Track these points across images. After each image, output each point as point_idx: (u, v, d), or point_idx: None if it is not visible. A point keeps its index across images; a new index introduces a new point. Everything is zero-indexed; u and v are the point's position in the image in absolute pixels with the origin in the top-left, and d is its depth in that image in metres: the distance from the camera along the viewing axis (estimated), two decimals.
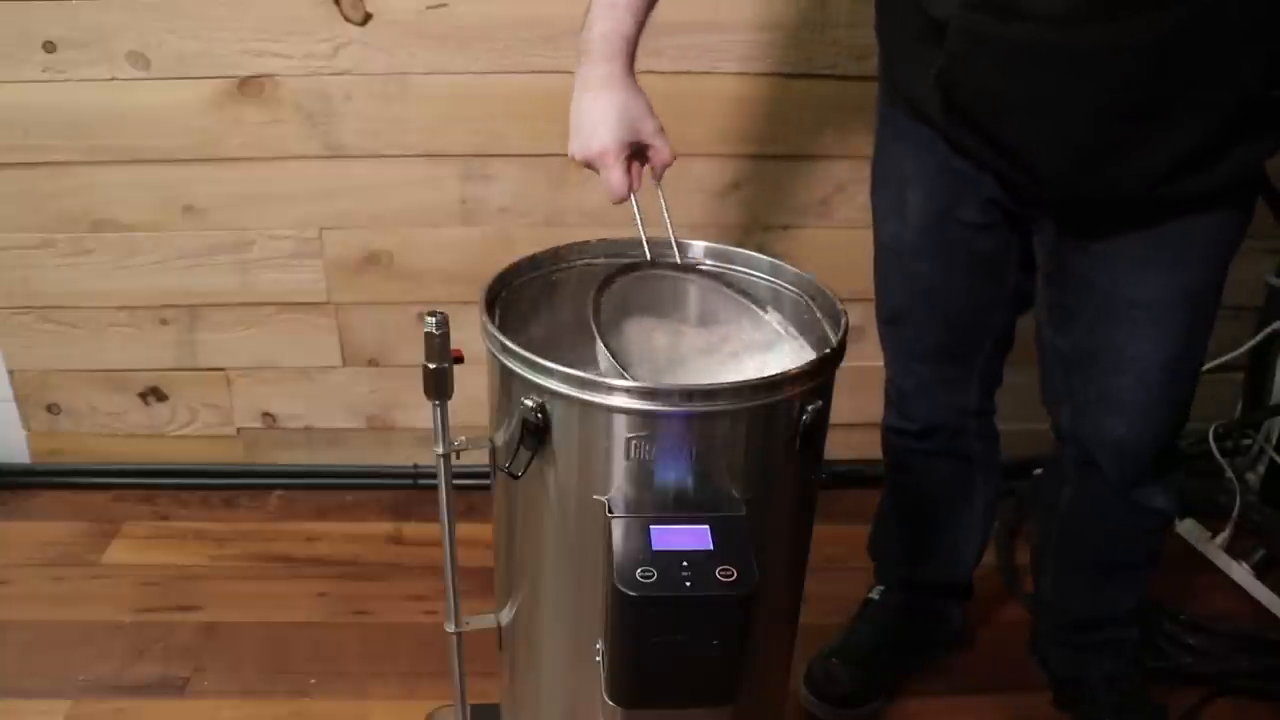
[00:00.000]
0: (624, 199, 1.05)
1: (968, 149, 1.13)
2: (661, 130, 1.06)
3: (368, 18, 1.59)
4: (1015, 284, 1.27)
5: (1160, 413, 1.20)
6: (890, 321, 1.35)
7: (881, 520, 1.56)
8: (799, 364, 0.92)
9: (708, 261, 1.12)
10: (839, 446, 1.90)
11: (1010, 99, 1.02)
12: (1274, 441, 1.86)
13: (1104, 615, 1.40)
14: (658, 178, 1.07)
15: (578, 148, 1.04)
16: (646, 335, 1.05)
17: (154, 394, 1.89)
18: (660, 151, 1.06)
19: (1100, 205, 1.10)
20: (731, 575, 0.84)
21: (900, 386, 1.39)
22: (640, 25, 1.07)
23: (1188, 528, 1.82)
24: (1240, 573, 1.72)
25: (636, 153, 1.06)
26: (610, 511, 0.89)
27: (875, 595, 1.55)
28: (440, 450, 1.01)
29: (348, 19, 1.59)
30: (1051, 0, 0.95)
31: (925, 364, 1.35)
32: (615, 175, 1.03)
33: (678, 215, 1.09)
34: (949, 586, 1.54)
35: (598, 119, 1.03)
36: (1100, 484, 1.27)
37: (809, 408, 0.92)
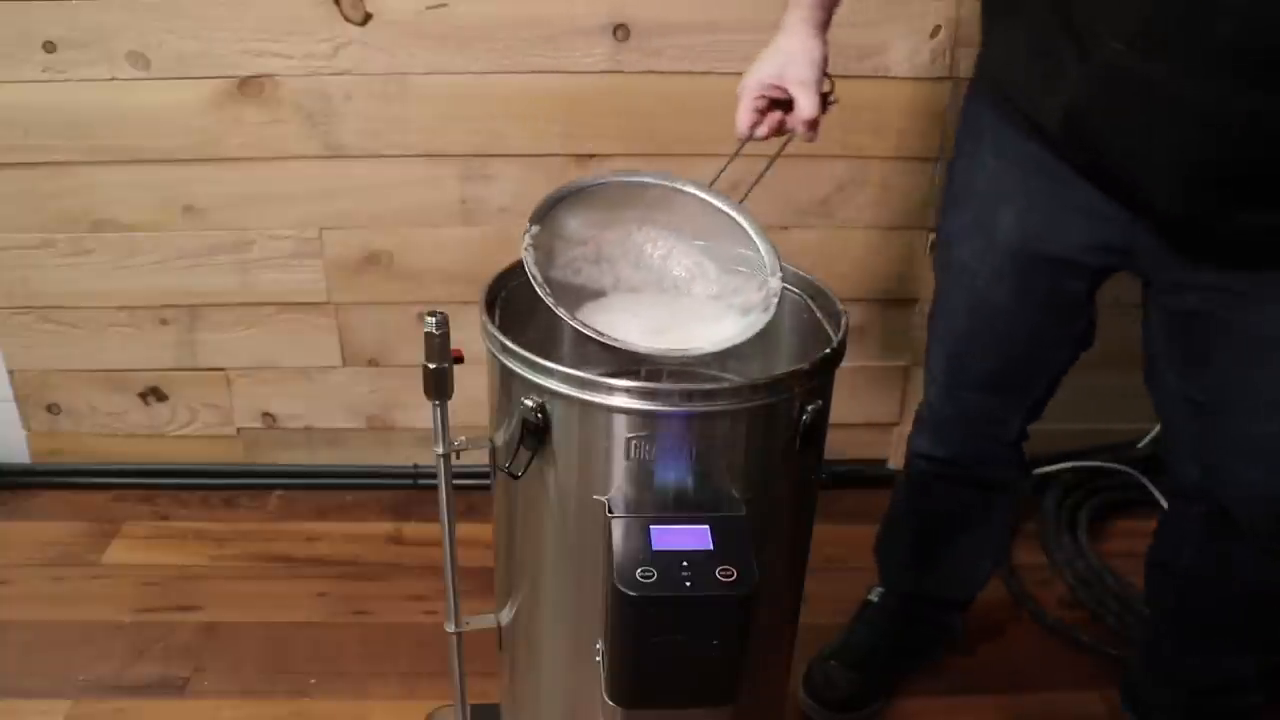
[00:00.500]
0: (740, 137, 1.07)
1: (1087, 173, 1.05)
2: (811, 83, 1.04)
3: (368, 18, 1.59)
4: (1086, 325, 1.20)
5: None
6: (946, 344, 1.28)
7: (892, 529, 1.52)
8: (799, 364, 0.92)
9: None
10: (839, 446, 1.90)
11: (1146, 131, 0.95)
12: None
13: (1232, 681, 1.31)
14: (790, 130, 1.06)
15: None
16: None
17: (154, 394, 1.89)
18: (800, 106, 1.04)
19: (1239, 240, 1.01)
20: (731, 575, 0.84)
21: (939, 412, 1.33)
22: None
23: None
24: None
25: (785, 103, 1.06)
26: (610, 511, 0.89)
27: (874, 597, 1.54)
28: (440, 450, 1.01)
29: (348, 19, 1.59)
30: (1195, 55, 0.88)
31: (974, 393, 1.28)
32: (739, 112, 1.06)
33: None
34: (951, 601, 1.52)
35: (757, 60, 1.07)
36: (1235, 542, 1.16)
37: (809, 408, 0.92)
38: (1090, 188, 1.05)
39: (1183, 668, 1.34)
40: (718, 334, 0.98)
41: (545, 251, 1.01)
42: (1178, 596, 1.30)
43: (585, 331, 0.93)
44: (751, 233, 1.05)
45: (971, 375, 1.27)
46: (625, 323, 1.00)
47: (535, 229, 0.99)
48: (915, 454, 1.40)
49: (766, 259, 1.03)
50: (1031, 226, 1.12)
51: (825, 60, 1.07)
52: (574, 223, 1.03)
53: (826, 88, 1.08)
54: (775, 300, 1.00)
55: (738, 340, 0.97)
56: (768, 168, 1.08)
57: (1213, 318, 1.06)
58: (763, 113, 1.07)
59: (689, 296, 1.05)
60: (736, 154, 1.08)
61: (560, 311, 0.94)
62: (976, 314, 1.21)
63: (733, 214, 1.06)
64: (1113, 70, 0.94)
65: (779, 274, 1.02)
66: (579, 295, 1.03)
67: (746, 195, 1.09)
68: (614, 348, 0.93)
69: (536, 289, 0.95)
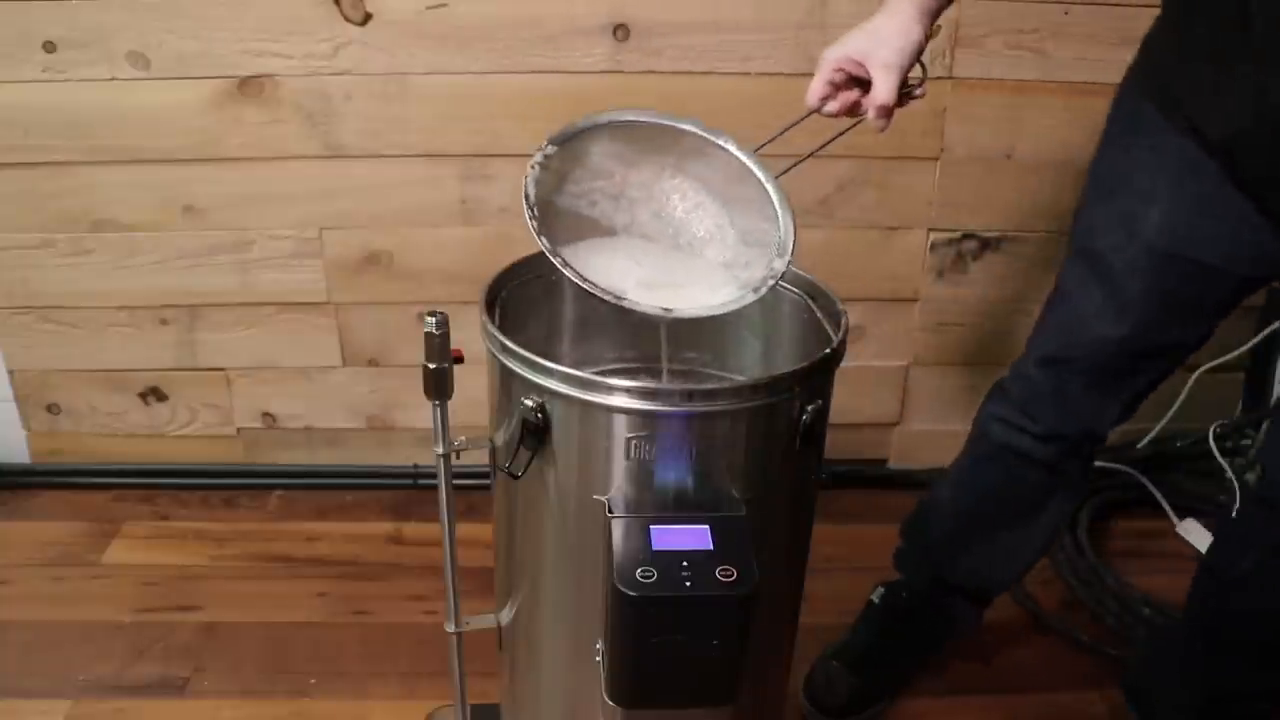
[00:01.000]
0: (809, 107, 1.03)
1: (1252, 186, 1.02)
2: (896, 67, 0.99)
3: (368, 18, 1.59)
4: (1207, 333, 1.18)
5: None
6: (1064, 324, 1.24)
7: (933, 508, 1.46)
8: (799, 365, 0.92)
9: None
10: (839, 446, 1.90)
11: None
12: None
13: (1257, 692, 1.29)
14: (862, 113, 1.02)
15: None
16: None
17: (154, 394, 1.89)
18: (877, 88, 0.99)
19: None
20: (731, 575, 0.84)
21: (1038, 387, 1.27)
22: None
23: (1188, 527, 1.82)
24: None
25: (865, 83, 1.02)
26: (610, 511, 0.89)
27: (876, 598, 1.53)
28: (440, 450, 1.01)
29: (348, 19, 1.59)
30: None
31: (1079, 378, 1.24)
32: (813, 81, 1.02)
33: None
34: (978, 593, 1.48)
35: (850, 32, 1.02)
36: None
37: (809, 408, 0.92)
38: (1244, 197, 1.03)
39: (1209, 672, 1.31)
40: (707, 301, 0.95)
41: (559, 176, 0.97)
42: (1223, 601, 1.27)
43: (565, 272, 0.91)
44: (777, 206, 1.01)
45: (1081, 363, 1.23)
46: (624, 269, 0.97)
47: (551, 149, 0.96)
48: (994, 419, 1.34)
49: (782, 236, 1.00)
50: (1178, 229, 1.09)
51: (921, 48, 1.01)
52: (601, 153, 1.00)
53: (915, 79, 1.02)
54: (771, 282, 0.96)
55: (714, 312, 0.93)
56: (823, 146, 1.04)
57: None
58: (838, 87, 1.03)
59: (700, 259, 1.01)
60: (796, 123, 1.04)
61: (542, 241, 0.91)
62: (1105, 305, 1.17)
63: (766, 182, 1.02)
64: None
65: (787, 256, 0.98)
66: (586, 228, 1.00)
67: (788, 170, 1.05)
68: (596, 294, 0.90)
69: (525, 211, 0.92)
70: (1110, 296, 1.16)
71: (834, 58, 1.02)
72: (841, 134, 1.04)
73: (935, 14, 1.03)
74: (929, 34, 1.02)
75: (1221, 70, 0.98)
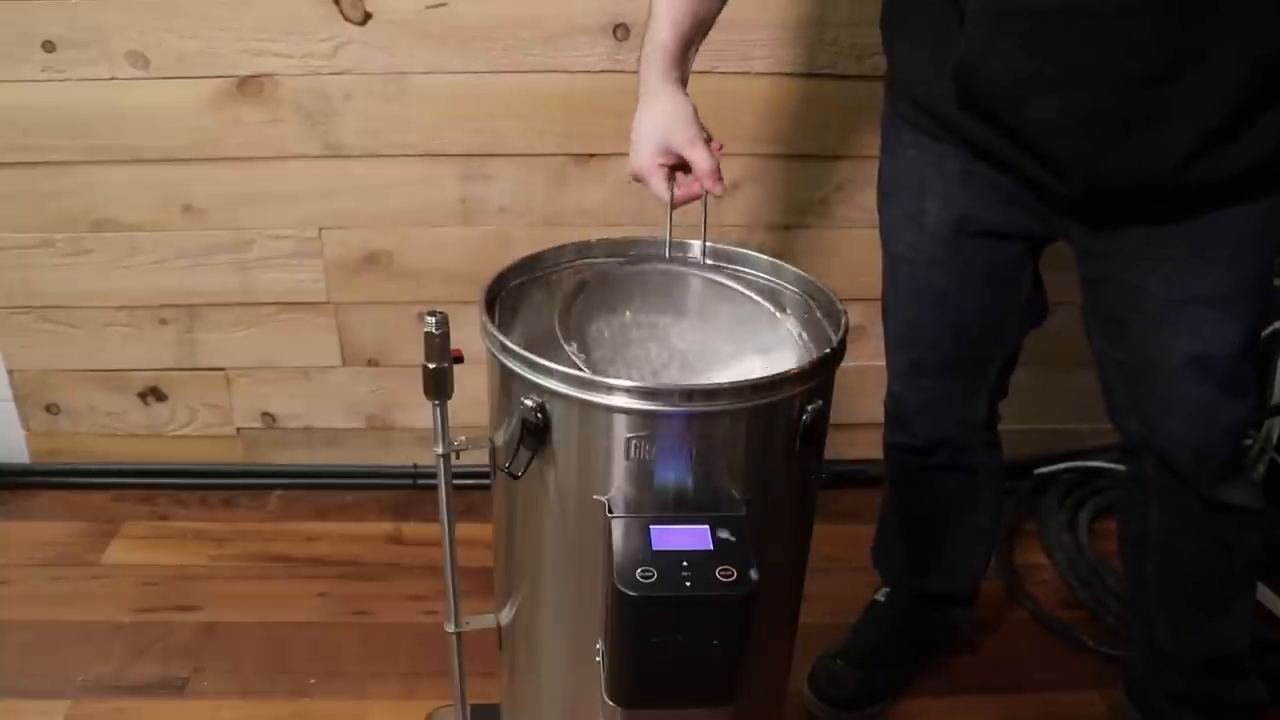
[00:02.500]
0: (670, 204, 1.08)
1: (987, 147, 1.11)
2: (698, 139, 1.06)
3: (367, 17, 1.59)
4: (1028, 298, 1.26)
5: (1232, 408, 1.15)
6: (900, 336, 1.33)
7: (884, 531, 1.54)
8: (799, 364, 0.92)
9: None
10: (839, 446, 1.90)
11: (1030, 76, 1.01)
12: (1274, 441, 1.86)
13: (1224, 655, 1.32)
14: (703, 185, 1.07)
15: (629, 164, 1.10)
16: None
17: (153, 394, 1.89)
18: (696, 163, 1.06)
19: (1132, 199, 1.07)
20: (731, 575, 0.84)
21: (904, 402, 1.37)
22: (680, 34, 1.10)
23: None
24: None
25: (683, 163, 1.08)
26: (610, 511, 0.89)
27: (881, 597, 1.54)
28: (440, 450, 1.01)
29: (347, 19, 1.59)
30: None
31: (934, 379, 1.33)
32: (657, 188, 1.08)
33: (676, 214, 1.10)
34: (954, 597, 1.53)
35: (637, 136, 1.09)
36: (1184, 492, 1.22)
37: (809, 408, 0.92)
38: (987, 166, 1.13)
39: (1177, 642, 1.34)
40: (742, 371, 1.01)
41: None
42: (1158, 568, 1.32)
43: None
44: (750, 294, 1.06)
45: (929, 363, 1.31)
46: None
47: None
48: (891, 447, 1.43)
49: (771, 308, 1.05)
50: (954, 209, 1.19)
51: (695, 111, 1.09)
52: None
53: (706, 136, 1.09)
54: (803, 334, 1.02)
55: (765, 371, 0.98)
56: (705, 224, 1.10)
57: (1120, 282, 1.13)
58: (669, 179, 1.09)
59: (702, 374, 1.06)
60: (671, 222, 1.10)
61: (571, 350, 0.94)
62: (924, 302, 1.26)
63: (728, 283, 1.08)
64: (988, 12, 1.00)
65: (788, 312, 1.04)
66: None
67: (705, 239, 1.12)
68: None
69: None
70: (923, 293, 1.25)
71: (649, 165, 1.08)
72: (705, 218, 1.10)
73: (686, 80, 1.11)
74: (688, 97, 1.10)
75: (936, 41, 1.08)
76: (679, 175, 1.09)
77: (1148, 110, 0.99)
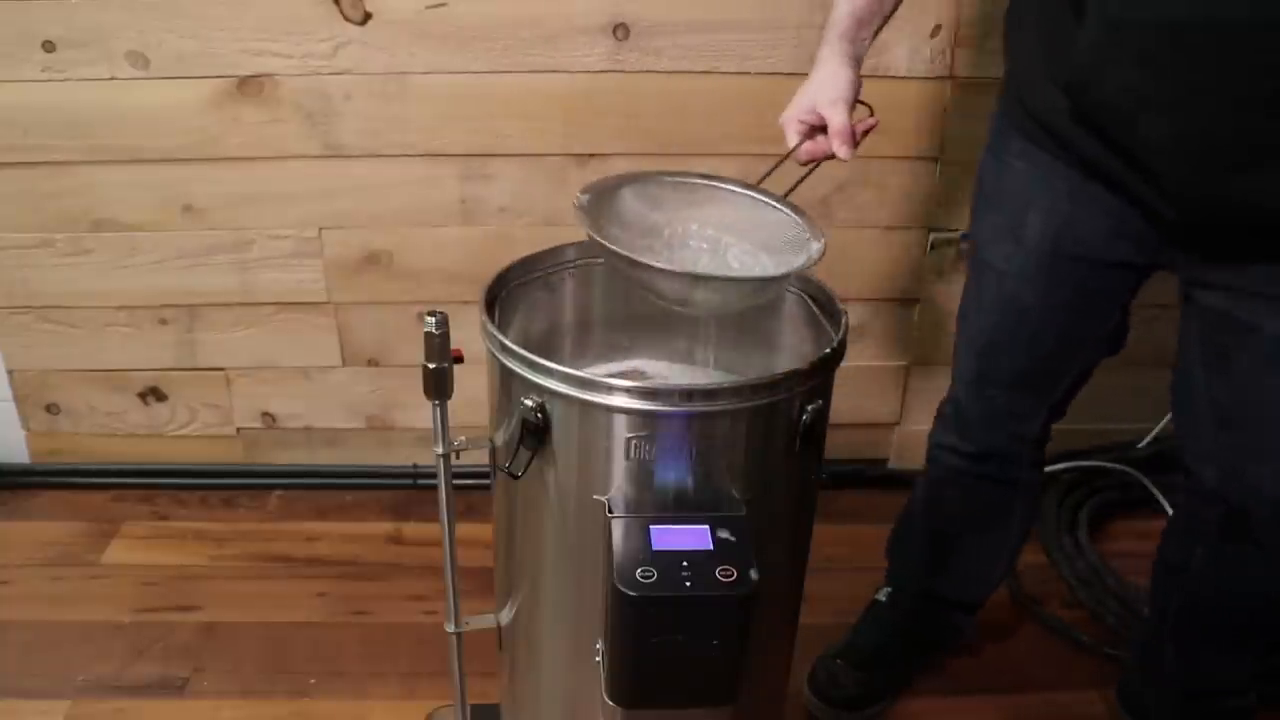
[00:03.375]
0: (798, 160, 1.11)
1: (1097, 164, 1.06)
2: (840, 101, 1.09)
3: (367, 17, 1.59)
4: (1117, 324, 1.22)
5: None
6: (974, 342, 1.30)
7: (907, 526, 1.51)
8: (799, 364, 0.92)
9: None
10: (839, 446, 1.90)
11: (1147, 93, 0.95)
12: None
13: (1228, 685, 1.33)
14: (831, 145, 1.10)
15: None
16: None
17: (153, 394, 1.89)
18: (831, 119, 1.08)
19: (1254, 232, 1.00)
20: (731, 575, 0.84)
21: (965, 408, 1.35)
22: (854, 11, 1.14)
23: None
24: None
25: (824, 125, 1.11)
26: (610, 511, 0.89)
27: (883, 597, 1.54)
28: (440, 450, 1.01)
29: (347, 19, 1.59)
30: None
31: (1001, 390, 1.30)
32: (789, 138, 1.12)
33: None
34: (964, 603, 1.52)
35: (794, 97, 1.13)
36: (1248, 546, 1.17)
37: (809, 408, 0.92)
38: (1099, 186, 1.08)
39: (1182, 669, 1.34)
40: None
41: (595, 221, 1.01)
42: (1186, 598, 1.29)
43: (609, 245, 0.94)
44: (792, 214, 1.07)
45: (999, 373, 1.29)
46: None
47: (584, 198, 1.00)
48: (938, 446, 1.41)
49: (809, 229, 1.04)
50: (1057, 226, 1.14)
51: (855, 85, 1.12)
52: (628, 206, 1.06)
53: (863, 114, 1.13)
54: (815, 258, 1.01)
55: (777, 272, 1.00)
56: (800, 181, 1.12)
57: (1232, 316, 1.07)
58: (805, 138, 1.12)
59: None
60: (780, 162, 1.12)
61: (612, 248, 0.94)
62: (1006, 313, 1.23)
63: (777, 205, 1.08)
64: (1108, 23, 0.96)
65: (822, 239, 1.02)
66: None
67: (788, 193, 1.12)
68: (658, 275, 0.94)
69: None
70: (1008, 305, 1.22)
71: (790, 117, 1.12)
72: (809, 172, 1.13)
73: (859, 60, 1.15)
74: (858, 75, 1.13)
75: (1055, 54, 1.05)
76: (818, 137, 1.11)
77: (1264, 140, 0.93)
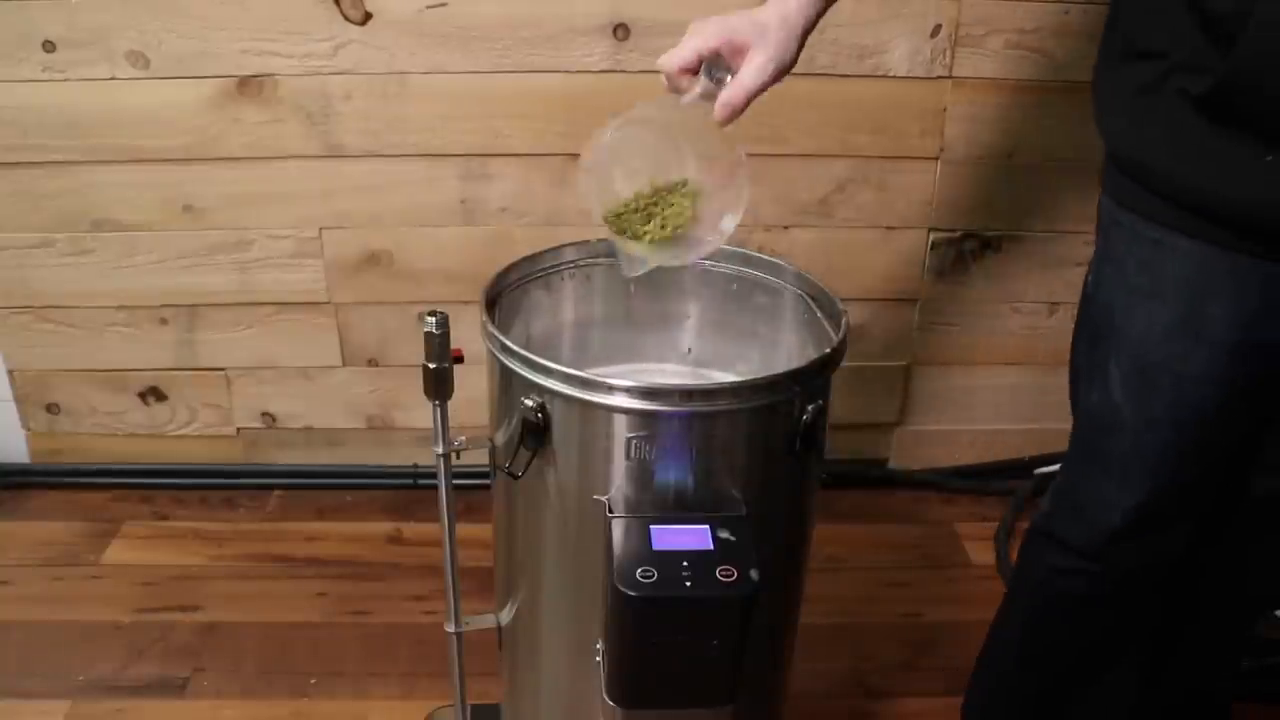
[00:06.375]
0: (664, 68, 0.97)
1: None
2: (772, 61, 0.93)
3: (368, 17, 1.59)
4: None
5: None
6: (1132, 469, 1.05)
7: (1003, 686, 1.27)
8: (799, 364, 0.92)
9: None
10: (839, 446, 1.90)
11: None
12: None
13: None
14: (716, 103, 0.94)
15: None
16: None
17: (153, 394, 1.89)
18: (744, 78, 0.93)
19: None
20: (731, 575, 0.84)
21: (1125, 556, 1.10)
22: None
23: None
24: None
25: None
26: (610, 511, 0.89)
27: None
28: (440, 450, 1.01)
29: (348, 19, 1.59)
30: None
31: (1183, 521, 1.08)
32: (683, 46, 0.97)
33: None
34: None
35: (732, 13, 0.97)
36: None
37: (809, 408, 0.92)
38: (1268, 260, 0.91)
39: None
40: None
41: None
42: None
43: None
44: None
45: (1164, 502, 1.06)
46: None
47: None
48: (1059, 572, 1.14)
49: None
50: (1248, 313, 0.95)
51: (795, 54, 0.95)
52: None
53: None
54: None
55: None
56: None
57: None
58: (698, 67, 0.95)
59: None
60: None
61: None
62: (1182, 428, 1.01)
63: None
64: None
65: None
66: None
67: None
68: None
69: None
70: (1181, 412, 1.00)
71: (716, 30, 0.93)
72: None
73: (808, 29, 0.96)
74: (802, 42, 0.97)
75: (1174, 131, 0.91)
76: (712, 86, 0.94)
77: None
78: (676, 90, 0.96)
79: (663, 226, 0.98)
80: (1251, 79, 0.83)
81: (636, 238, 0.97)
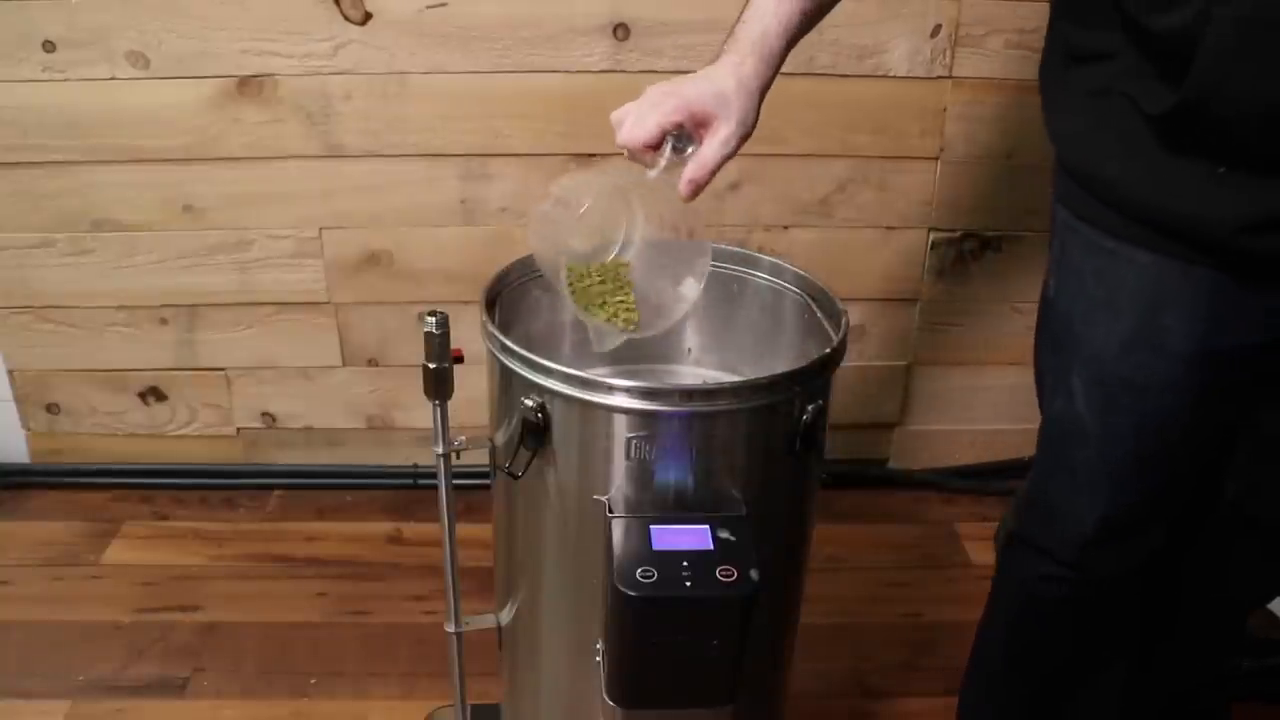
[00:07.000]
0: (626, 145, 0.96)
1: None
2: (734, 139, 0.93)
3: (368, 17, 1.59)
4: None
5: None
6: (1098, 481, 1.06)
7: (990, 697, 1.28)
8: (799, 364, 0.92)
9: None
10: (839, 446, 1.90)
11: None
12: None
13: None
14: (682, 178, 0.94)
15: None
16: None
17: (153, 394, 1.89)
18: (705, 155, 0.93)
19: None
20: (731, 575, 0.84)
21: (1104, 560, 1.10)
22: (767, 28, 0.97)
23: None
24: None
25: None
26: (610, 511, 0.89)
27: None
28: (440, 450, 1.01)
29: (348, 19, 1.59)
30: None
31: (1160, 524, 1.09)
32: (647, 119, 0.94)
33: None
34: None
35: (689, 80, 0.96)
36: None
37: (809, 408, 0.92)
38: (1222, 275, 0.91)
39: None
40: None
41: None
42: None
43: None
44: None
45: (1133, 511, 1.07)
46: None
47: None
48: (1037, 577, 1.14)
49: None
50: (1205, 321, 0.95)
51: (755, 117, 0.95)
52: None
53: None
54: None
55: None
56: None
57: None
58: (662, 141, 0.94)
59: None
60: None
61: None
62: (1144, 438, 1.02)
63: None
64: (1238, 24, 0.78)
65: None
66: None
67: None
68: None
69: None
70: (1145, 420, 1.01)
71: (677, 105, 0.92)
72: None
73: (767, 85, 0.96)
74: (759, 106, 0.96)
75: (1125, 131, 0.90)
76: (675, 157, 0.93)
77: None
78: (640, 164, 0.95)
79: (616, 315, 0.99)
80: (1204, 106, 0.83)
81: (599, 318, 0.98)
